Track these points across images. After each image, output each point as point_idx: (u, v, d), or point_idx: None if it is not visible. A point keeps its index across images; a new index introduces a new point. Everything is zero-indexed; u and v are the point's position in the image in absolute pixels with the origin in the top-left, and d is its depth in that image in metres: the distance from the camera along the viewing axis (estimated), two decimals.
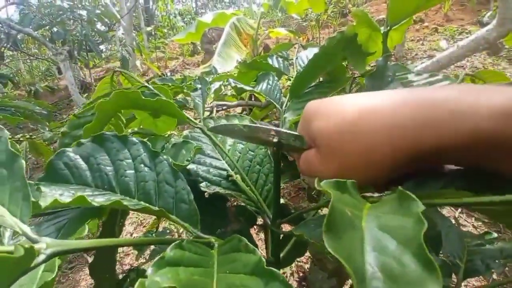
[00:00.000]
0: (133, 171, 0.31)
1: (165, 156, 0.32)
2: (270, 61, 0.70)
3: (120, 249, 1.39)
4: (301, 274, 1.10)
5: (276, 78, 0.62)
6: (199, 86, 0.51)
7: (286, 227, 0.45)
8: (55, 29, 3.50)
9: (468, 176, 0.23)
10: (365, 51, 0.56)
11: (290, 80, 0.70)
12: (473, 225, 1.26)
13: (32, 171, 2.38)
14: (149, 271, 0.19)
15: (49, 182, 0.29)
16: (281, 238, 0.47)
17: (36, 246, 0.15)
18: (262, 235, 1.17)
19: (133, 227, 1.64)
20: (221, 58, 2.03)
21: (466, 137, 0.19)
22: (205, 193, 0.39)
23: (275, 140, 0.29)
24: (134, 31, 4.67)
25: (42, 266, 0.30)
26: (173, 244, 0.23)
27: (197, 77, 0.54)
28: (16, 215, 0.17)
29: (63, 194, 0.26)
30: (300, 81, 0.52)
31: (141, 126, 0.65)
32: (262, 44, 2.45)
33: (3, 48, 3.40)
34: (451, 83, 0.40)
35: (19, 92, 4.89)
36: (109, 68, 5.87)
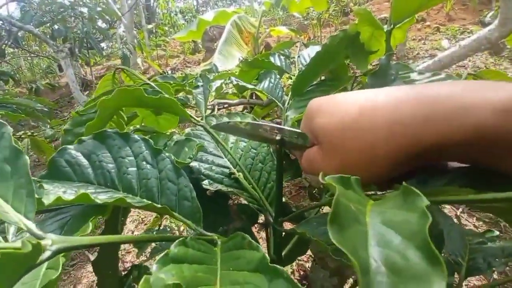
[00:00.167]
0: (135, 169, 0.31)
1: (167, 154, 0.32)
2: (272, 59, 0.70)
3: (121, 247, 1.39)
4: (301, 273, 1.10)
5: (278, 76, 0.62)
6: (201, 83, 0.51)
7: (287, 226, 0.45)
8: (56, 27, 3.50)
9: (471, 174, 0.23)
10: (368, 50, 0.56)
11: (291, 78, 0.69)
12: (474, 224, 1.26)
13: (33, 169, 2.38)
14: (153, 268, 0.19)
15: (51, 179, 0.29)
16: (282, 236, 0.47)
17: (42, 242, 0.16)
18: (262, 234, 1.17)
19: (134, 225, 1.65)
20: (222, 56, 2.03)
21: (468, 133, 0.19)
22: (207, 191, 0.39)
23: (277, 137, 0.29)
24: (135, 29, 4.66)
25: (46, 264, 0.30)
26: (177, 241, 0.23)
27: (198, 75, 0.54)
28: (21, 212, 0.17)
29: (66, 192, 0.26)
30: (302, 80, 0.52)
31: (142, 124, 0.65)
32: (263, 42, 2.45)
33: (4, 45, 3.40)
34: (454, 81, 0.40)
35: (20, 90, 4.89)
36: (110, 66, 5.87)
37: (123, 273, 0.53)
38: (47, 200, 0.23)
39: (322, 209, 0.55)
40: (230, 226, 0.41)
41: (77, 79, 3.43)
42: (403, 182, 0.18)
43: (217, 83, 0.83)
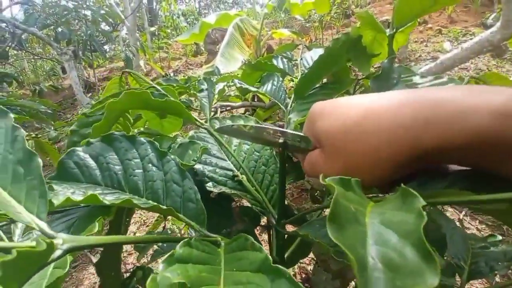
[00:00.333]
0: (141, 171, 0.32)
1: (172, 156, 0.33)
2: (275, 62, 0.71)
3: (123, 248, 1.39)
4: (304, 276, 1.10)
5: (281, 79, 0.62)
6: (205, 87, 0.52)
7: (289, 228, 0.45)
8: (60, 29, 3.53)
9: (471, 177, 0.23)
10: (370, 53, 0.56)
11: (293, 81, 0.70)
12: (477, 228, 1.25)
13: None
14: (160, 267, 0.20)
15: (60, 180, 0.30)
16: (285, 238, 0.47)
17: (54, 241, 0.16)
18: (264, 236, 1.17)
19: (136, 226, 1.65)
20: (224, 58, 2.04)
21: (469, 136, 0.19)
22: (211, 193, 0.40)
23: (280, 140, 0.29)
24: (137, 31, 4.69)
25: (52, 264, 0.31)
26: (182, 242, 0.24)
27: (201, 78, 0.55)
28: (33, 212, 0.18)
29: (75, 193, 0.27)
30: (305, 82, 0.53)
31: (146, 126, 0.65)
32: (265, 45, 2.45)
33: (8, 47, 3.43)
34: (456, 85, 0.41)
35: (23, 91, 4.93)
36: (112, 68, 5.91)
37: (125, 275, 0.53)
38: (57, 201, 0.23)
39: (324, 212, 0.55)
40: (233, 228, 0.41)
41: (80, 81, 3.46)
42: (402, 185, 0.18)
43: (220, 85, 0.83)
